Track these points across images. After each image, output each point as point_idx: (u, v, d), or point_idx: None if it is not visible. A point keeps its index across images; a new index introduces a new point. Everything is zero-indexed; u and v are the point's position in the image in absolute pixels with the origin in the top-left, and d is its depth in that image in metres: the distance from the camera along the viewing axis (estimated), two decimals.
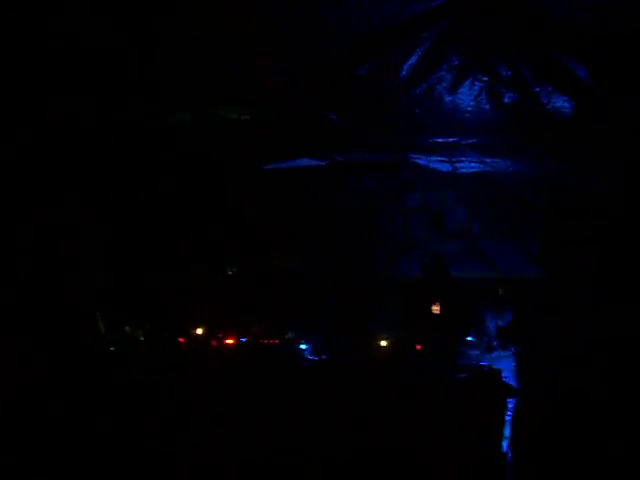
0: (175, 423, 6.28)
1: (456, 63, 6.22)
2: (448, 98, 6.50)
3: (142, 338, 7.19)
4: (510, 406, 6.55)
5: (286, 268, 7.70)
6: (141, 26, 5.68)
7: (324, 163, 7.54)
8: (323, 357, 7.01)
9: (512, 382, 6.78)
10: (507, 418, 6.53)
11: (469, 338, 7.19)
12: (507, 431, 6.54)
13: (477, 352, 7.11)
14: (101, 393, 6.39)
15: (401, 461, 6.04)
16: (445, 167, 7.53)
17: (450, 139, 7.07)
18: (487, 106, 6.55)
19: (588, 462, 5.95)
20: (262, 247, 7.71)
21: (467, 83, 6.35)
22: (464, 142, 7.11)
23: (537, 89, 6.31)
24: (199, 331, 7.23)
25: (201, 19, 5.84)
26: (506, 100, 6.45)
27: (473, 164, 7.44)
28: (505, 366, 6.96)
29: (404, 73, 6.31)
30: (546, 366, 6.64)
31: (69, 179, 7.01)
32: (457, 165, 7.49)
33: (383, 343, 6.99)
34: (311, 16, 5.64)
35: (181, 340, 7.17)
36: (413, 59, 6.21)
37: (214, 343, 7.17)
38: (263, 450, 6.11)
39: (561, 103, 6.37)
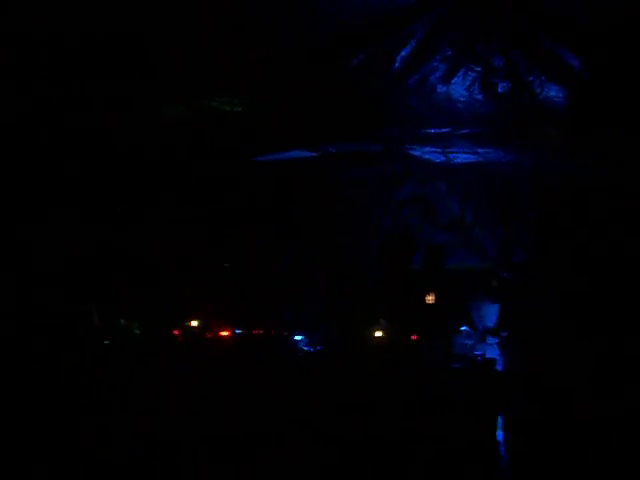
0: (170, 415, 6.30)
1: (449, 54, 6.20)
2: (441, 89, 6.48)
3: (137, 331, 7.18)
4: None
5: (279, 261, 7.71)
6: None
7: (316, 154, 7.52)
8: (318, 348, 7.03)
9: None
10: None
11: (463, 328, 7.22)
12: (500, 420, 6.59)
13: (471, 341, 7.15)
14: (95, 386, 6.41)
15: (396, 449, 6.08)
16: (438, 158, 7.54)
17: (443, 130, 7.05)
18: (480, 96, 6.54)
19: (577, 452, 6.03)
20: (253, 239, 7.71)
21: (460, 73, 6.33)
22: (457, 132, 7.09)
23: (530, 78, 6.30)
24: (194, 323, 7.23)
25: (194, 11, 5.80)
26: (499, 90, 6.44)
27: (466, 155, 7.44)
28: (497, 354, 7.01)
29: (397, 65, 6.29)
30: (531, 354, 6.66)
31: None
32: (450, 156, 7.49)
33: (378, 333, 7.01)
34: (303, 6, 5.63)
35: (176, 332, 7.17)
36: (406, 50, 6.19)
37: (209, 335, 7.18)
38: (258, 439, 6.15)
39: (554, 92, 6.36)
